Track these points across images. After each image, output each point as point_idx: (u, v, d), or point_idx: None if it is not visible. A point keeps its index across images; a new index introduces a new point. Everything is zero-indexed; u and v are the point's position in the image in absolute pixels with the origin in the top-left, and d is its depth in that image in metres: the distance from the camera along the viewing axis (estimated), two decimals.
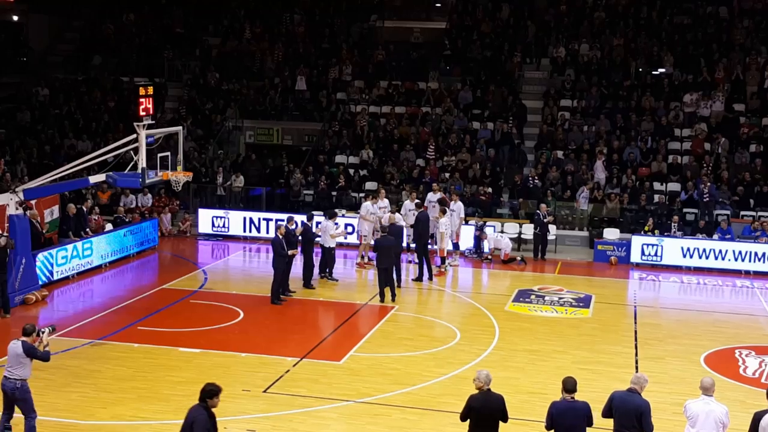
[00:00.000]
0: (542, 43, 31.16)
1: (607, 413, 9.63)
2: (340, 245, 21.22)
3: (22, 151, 28.57)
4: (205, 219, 25.25)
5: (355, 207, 24.83)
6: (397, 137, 28.23)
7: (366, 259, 21.86)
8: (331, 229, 19.93)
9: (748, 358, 15.29)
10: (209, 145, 29.06)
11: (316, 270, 19.77)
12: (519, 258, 22.72)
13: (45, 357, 11.00)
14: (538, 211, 23.42)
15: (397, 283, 19.03)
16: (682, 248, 22.59)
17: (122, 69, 32.29)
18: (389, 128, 28.64)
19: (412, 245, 21.46)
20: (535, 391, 13.30)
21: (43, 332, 11.13)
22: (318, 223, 20.65)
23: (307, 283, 19.30)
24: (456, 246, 22.71)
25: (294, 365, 14.41)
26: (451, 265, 21.95)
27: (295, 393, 13.17)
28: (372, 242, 20.79)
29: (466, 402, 9.57)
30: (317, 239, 19.93)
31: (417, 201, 21.75)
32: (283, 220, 19.95)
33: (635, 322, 17.55)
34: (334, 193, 26.26)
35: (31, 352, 10.82)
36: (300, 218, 20.17)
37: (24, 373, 10.83)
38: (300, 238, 19.05)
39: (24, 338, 10.91)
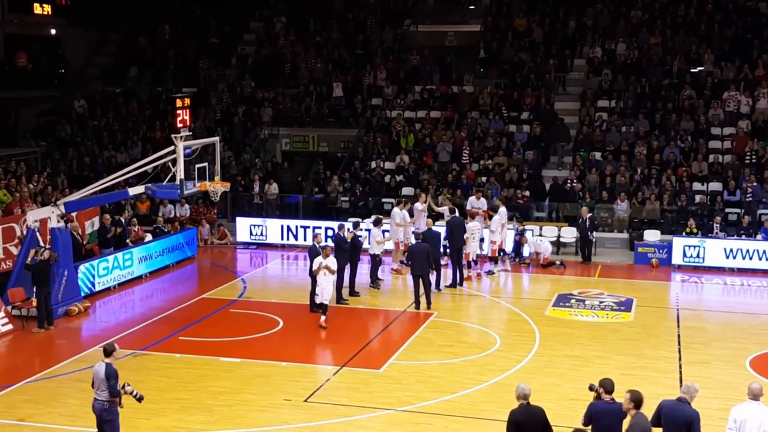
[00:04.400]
0: (578, 43, 30.85)
1: (655, 422, 9.45)
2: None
3: (63, 163, 29.02)
4: (243, 227, 25.38)
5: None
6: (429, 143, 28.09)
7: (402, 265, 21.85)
8: (378, 236, 19.99)
9: None
10: (246, 154, 29.25)
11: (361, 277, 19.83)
12: (558, 262, 22.50)
13: (114, 390, 10.57)
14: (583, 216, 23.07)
15: (436, 287, 18.94)
16: (725, 249, 22.18)
17: (159, 81, 32.66)
18: (424, 133, 28.58)
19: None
20: (577, 398, 13.07)
21: (131, 392, 10.71)
22: (368, 229, 20.71)
23: (352, 290, 19.31)
24: (503, 252, 22.51)
25: (334, 374, 14.41)
26: (501, 271, 21.78)
27: (336, 402, 13.17)
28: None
29: (509, 418, 9.43)
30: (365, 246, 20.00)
31: (425, 204, 22.07)
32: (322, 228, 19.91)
33: (678, 326, 17.26)
34: (371, 199, 26.27)
35: (109, 377, 10.58)
36: (348, 225, 20.29)
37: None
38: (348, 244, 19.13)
39: (107, 360, 10.73)
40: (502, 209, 22.01)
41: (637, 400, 9.06)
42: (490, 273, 21.42)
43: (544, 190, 26.05)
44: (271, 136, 30.43)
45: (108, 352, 10.85)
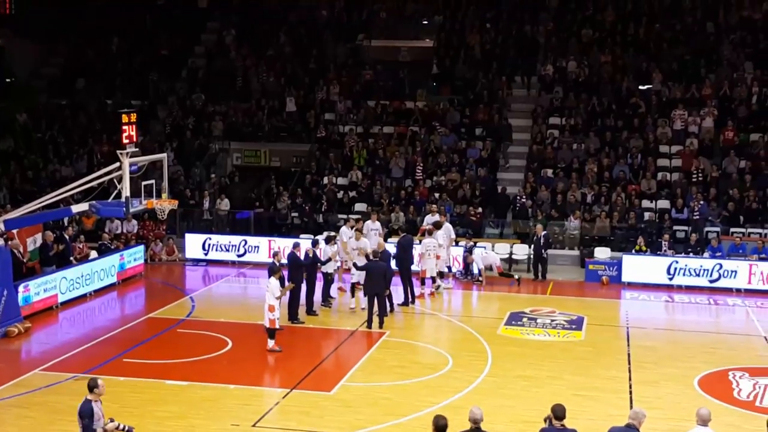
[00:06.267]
0: (530, 61, 31.10)
1: None
2: None
3: (5, 177, 28.23)
4: (193, 244, 24.94)
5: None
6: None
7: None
8: (353, 243, 19.91)
9: (742, 380, 15.11)
10: (196, 168, 28.79)
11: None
12: (516, 277, 22.47)
13: (90, 431, 10.07)
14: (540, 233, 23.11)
15: (390, 308, 18.78)
16: (673, 267, 22.43)
17: (107, 93, 32.03)
18: (377, 148, 28.48)
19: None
20: (530, 420, 12.97)
21: (117, 428, 10.31)
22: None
23: (309, 309, 19.02)
24: (449, 268, 22.51)
25: (284, 397, 14.13)
26: (445, 288, 21.72)
27: (285, 427, 12.89)
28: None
29: None
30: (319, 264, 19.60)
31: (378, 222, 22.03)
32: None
33: (628, 345, 17.34)
34: (322, 215, 26.06)
35: (81, 416, 10.10)
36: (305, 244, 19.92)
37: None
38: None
39: (88, 396, 10.20)
40: (447, 225, 21.99)
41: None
42: (437, 288, 21.32)
43: (497, 206, 26.13)
44: (222, 150, 30.04)
45: (89, 387, 10.28)
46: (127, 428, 10.43)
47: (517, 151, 28.69)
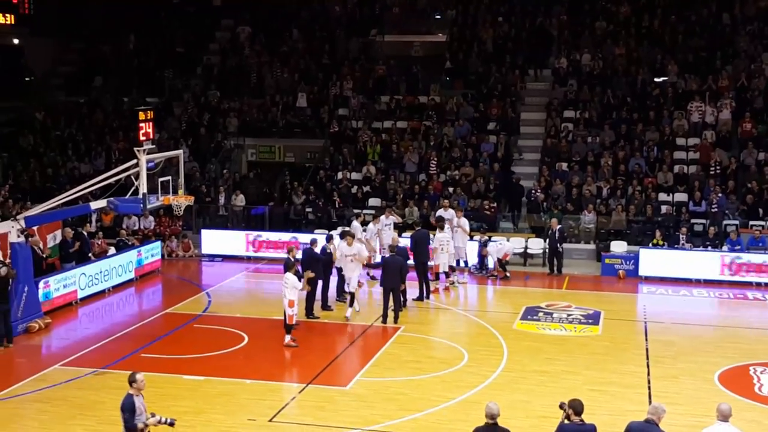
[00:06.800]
0: (543, 54, 30.98)
1: None
2: None
3: (25, 175, 28.48)
4: (209, 239, 25.06)
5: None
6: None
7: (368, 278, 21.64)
8: (346, 250, 19.19)
9: (763, 375, 15.00)
10: (211, 164, 28.92)
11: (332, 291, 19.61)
12: (507, 275, 22.39)
13: (129, 425, 10.02)
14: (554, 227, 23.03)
15: (403, 303, 18.80)
16: (692, 260, 22.27)
17: (124, 90, 32.21)
18: (391, 143, 28.48)
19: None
20: (546, 415, 12.99)
21: (159, 421, 10.26)
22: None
23: (324, 304, 19.07)
24: (465, 263, 22.48)
25: (300, 392, 14.20)
26: (459, 283, 21.71)
27: (301, 422, 12.95)
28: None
29: None
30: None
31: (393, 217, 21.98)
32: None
33: (646, 339, 17.27)
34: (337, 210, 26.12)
35: (123, 409, 10.05)
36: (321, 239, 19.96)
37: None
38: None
39: (130, 390, 10.18)
40: (463, 219, 22.01)
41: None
42: (451, 282, 21.31)
43: (512, 200, 26.09)
44: (237, 146, 30.14)
45: (129, 381, 10.25)
46: (169, 421, 10.32)
47: (531, 144, 28.62)
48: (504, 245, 22.76)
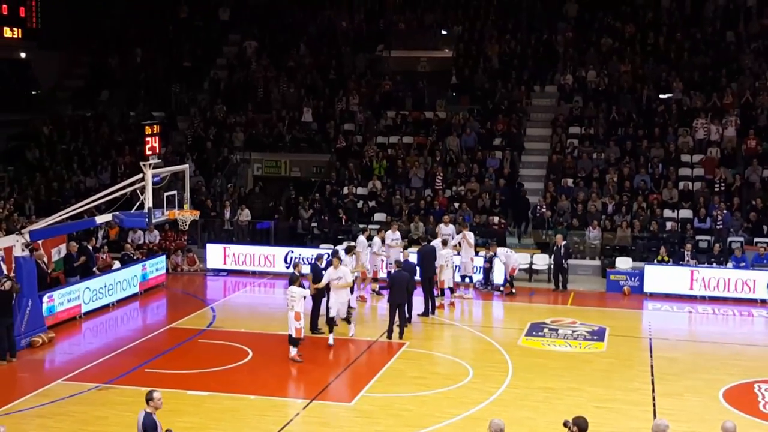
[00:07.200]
0: (549, 70, 31.06)
1: None
2: None
3: (30, 188, 28.56)
4: (214, 254, 25.08)
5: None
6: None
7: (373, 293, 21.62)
8: (332, 273, 18.09)
9: None
10: (217, 179, 28.99)
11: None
12: (501, 290, 22.42)
13: None
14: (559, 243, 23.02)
15: (408, 319, 18.76)
16: (696, 277, 22.24)
17: (130, 104, 32.34)
18: (397, 158, 28.53)
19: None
20: None
21: None
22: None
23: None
24: (470, 279, 22.48)
25: (304, 408, 14.16)
26: (463, 298, 21.68)
27: None
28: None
29: None
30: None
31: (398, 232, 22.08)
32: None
33: (651, 356, 17.22)
34: (343, 225, 26.12)
35: (145, 429, 9.89)
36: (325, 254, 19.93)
37: None
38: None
39: (147, 408, 10.08)
40: (468, 233, 22.11)
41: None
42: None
43: (517, 215, 26.10)
44: (243, 161, 30.21)
45: (146, 399, 10.18)
46: None
47: (536, 160, 28.64)
48: (511, 255, 22.69)
